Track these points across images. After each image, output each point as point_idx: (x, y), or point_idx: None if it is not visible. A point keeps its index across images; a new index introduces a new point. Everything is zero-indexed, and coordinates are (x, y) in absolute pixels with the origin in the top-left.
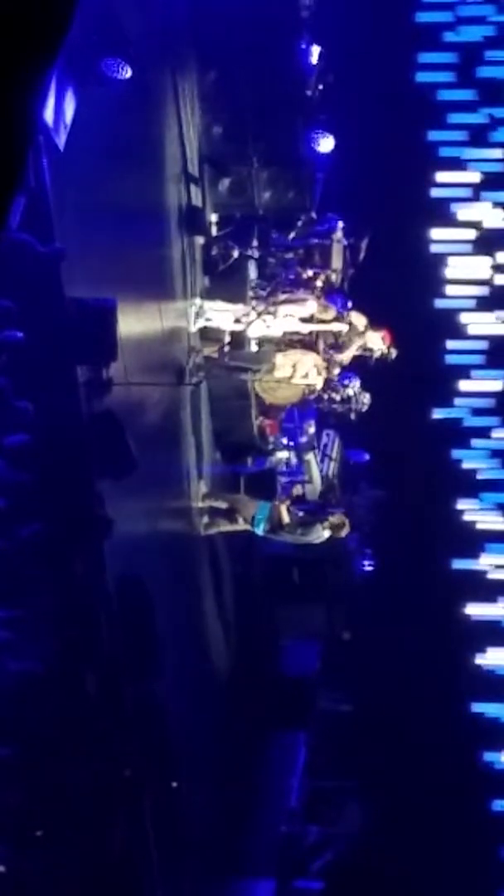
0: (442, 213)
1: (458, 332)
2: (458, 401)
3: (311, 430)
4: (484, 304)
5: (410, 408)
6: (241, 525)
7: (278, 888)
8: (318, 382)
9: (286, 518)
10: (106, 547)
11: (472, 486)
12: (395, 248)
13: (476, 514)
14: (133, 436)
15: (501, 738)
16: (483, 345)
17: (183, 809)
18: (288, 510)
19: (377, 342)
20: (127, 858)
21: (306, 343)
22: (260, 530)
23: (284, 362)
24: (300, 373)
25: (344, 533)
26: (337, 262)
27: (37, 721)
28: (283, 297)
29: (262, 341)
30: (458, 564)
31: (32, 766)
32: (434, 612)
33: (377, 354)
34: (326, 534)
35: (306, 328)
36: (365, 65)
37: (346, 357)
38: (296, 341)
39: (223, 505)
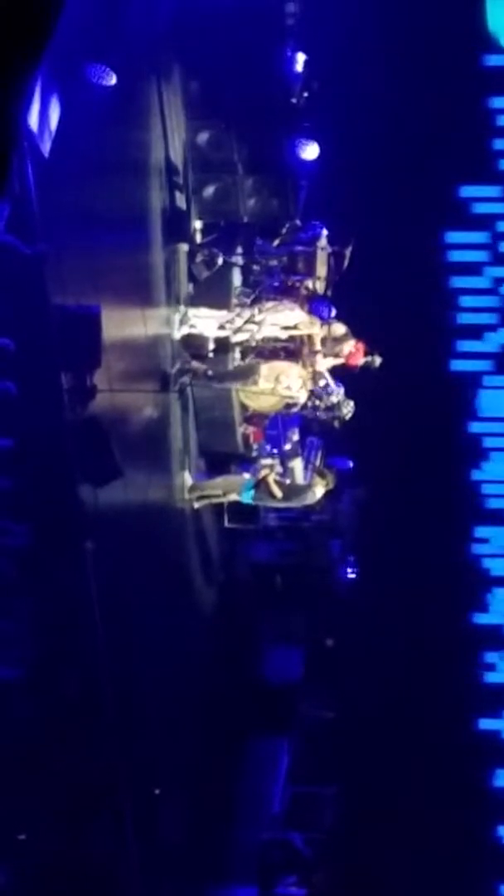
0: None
1: (450, 339)
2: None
3: (295, 437)
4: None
5: (396, 415)
6: (231, 498)
7: (260, 895)
8: (301, 396)
9: (277, 492)
10: (89, 553)
11: (462, 492)
12: (382, 254)
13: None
14: (117, 442)
15: (491, 744)
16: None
17: (164, 816)
18: (276, 483)
19: (349, 350)
20: (108, 865)
21: (290, 351)
22: (248, 498)
23: (268, 374)
24: (283, 384)
25: (332, 483)
26: (321, 269)
27: (18, 726)
28: (269, 304)
29: (245, 349)
30: (443, 570)
31: (13, 771)
32: (418, 619)
33: (351, 360)
34: (320, 491)
35: (289, 335)
36: (350, 72)
37: (324, 365)
38: (279, 349)
39: (211, 492)
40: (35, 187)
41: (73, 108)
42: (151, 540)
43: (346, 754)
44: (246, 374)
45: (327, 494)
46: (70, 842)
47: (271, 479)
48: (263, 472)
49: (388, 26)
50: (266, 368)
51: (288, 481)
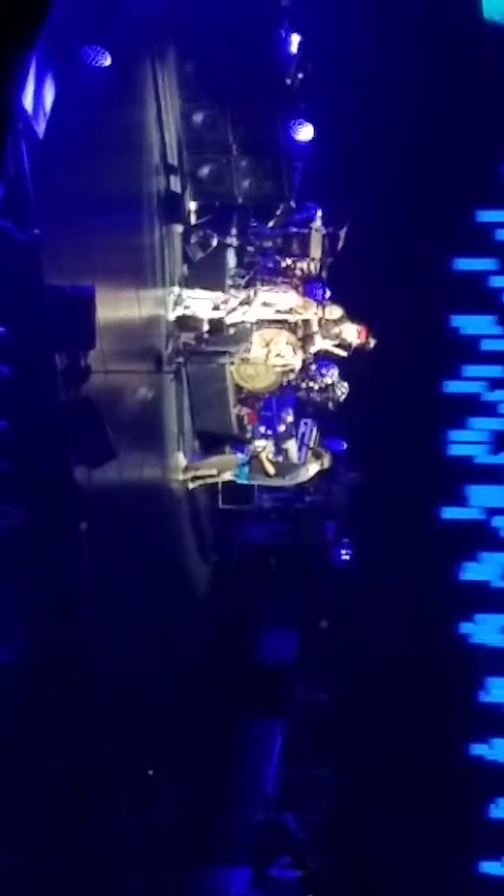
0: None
1: (444, 323)
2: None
3: (290, 418)
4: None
5: (389, 396)
6: (225, 477)
7: (254, 876)
8: (296, 362)
9: (270, 469)
10: (83, 534)
11: (454, 476)
12: (376, 236)
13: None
14: (112, 423)
15: (483, 724)
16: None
17: (159, 797)
18: (269, 460)
19: (353, 335)
20: (103, 847)
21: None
22: (242, 477)
23: (259, 341)
24: (275, 351)
25: (327, 463)
26: (315, 250)
27: (12, 708)
28: (264, 287)
29: (239, 330)
30: (438, 551)
31: (7, 754)
32: (412, 600)
33: (354, 346)
34: (314, 468)
35: (283, 317)
36: (344, 54)
37: (320, 345)
38: (273, 328)
39: (205, 472)
40: (29, 168)
41: (68, 89)
42: (146, 521)
43: (340, 736)
44: (238, 341)
45: (321, 473)
46: (65, 823)
47: (264, 456)
48: (257, 451)
49: (382, 7)
50: (257, 336)
51: (281, 459)
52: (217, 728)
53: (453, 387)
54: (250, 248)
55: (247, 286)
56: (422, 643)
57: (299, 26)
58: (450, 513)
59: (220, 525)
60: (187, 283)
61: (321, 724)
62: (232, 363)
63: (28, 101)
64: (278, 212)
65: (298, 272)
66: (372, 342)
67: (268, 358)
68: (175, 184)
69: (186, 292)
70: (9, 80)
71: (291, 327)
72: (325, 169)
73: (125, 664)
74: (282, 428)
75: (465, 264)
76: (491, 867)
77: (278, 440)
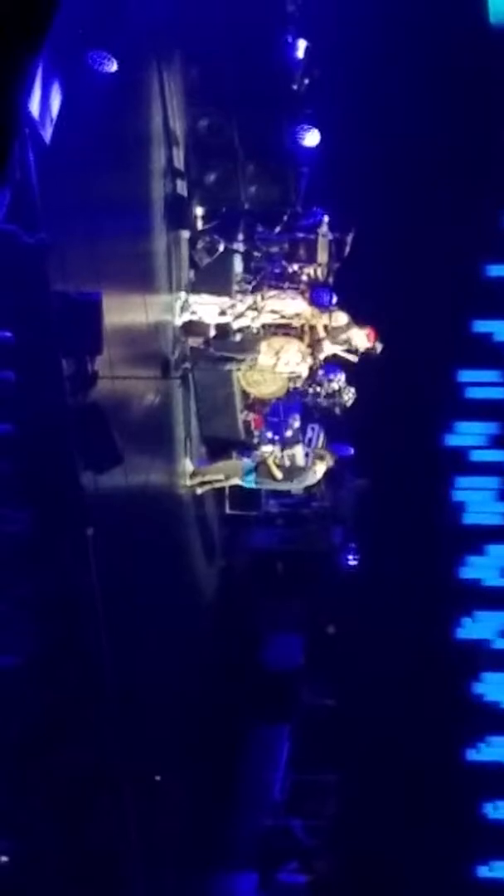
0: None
1: (450, 327)
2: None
3: (296, 424)
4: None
5: (396, 402)
6: (232, 482)
7: (261, 881)
8: (303, 370)
9: (278, 473)
10: (90, 539)
11: (461, 480)
12: (383, 241)
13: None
14: (118, 429)
15: (487, 728)
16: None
17: (166, 803)
18: (276, 465)
19: (362, 340)
20: (110, 852)
21: (292, 335)
22: (249, 481)
23: (268, 349)
24: (283, 360)
25: (331, 462)
26: (322, 256)
27: (19, 713)
28: (271, 293)
29: (246, 335)
30: (444, 558)
31: (14, 758)
32: (418, 605)
33: (362, 350)
34: (321, 470)
35: (288, 321)
36: (350, 59)
37: (327, 351)
38: (281, 335)
39: (212, 477)
40: (36, 174)
41: (75, 94)
42: (152, 526)
43: (346, 742)
44: (246, 349)
45: (327, 474)
46: (72, 828)
47: (271, 460)
48: (264, 456)
49: (388, 13)
50: (265, 345)
51: (288, 464)
52: (224, 733)
53: (462, 392)
54: (257, 254)
55: (253, 291)
56: (429, 649)
57: (305, 32)
58: (458, 518)
59: (227, 530)
60: (194, 288)
61: (328, 729)
62: (239, 369)
63: (35, 107)
64: (285, 217)
65: (305, 278)
66: (379, 346)
67: (276, 365)
68: (182, 189)
69: (193, 297)
70: (15, 85)
71: (299, 334)
72: (332, 174)
73: (132, 669)
74: (289, 433)
75: (483, 269)
76: (498, 871)
77: (285, 445)
